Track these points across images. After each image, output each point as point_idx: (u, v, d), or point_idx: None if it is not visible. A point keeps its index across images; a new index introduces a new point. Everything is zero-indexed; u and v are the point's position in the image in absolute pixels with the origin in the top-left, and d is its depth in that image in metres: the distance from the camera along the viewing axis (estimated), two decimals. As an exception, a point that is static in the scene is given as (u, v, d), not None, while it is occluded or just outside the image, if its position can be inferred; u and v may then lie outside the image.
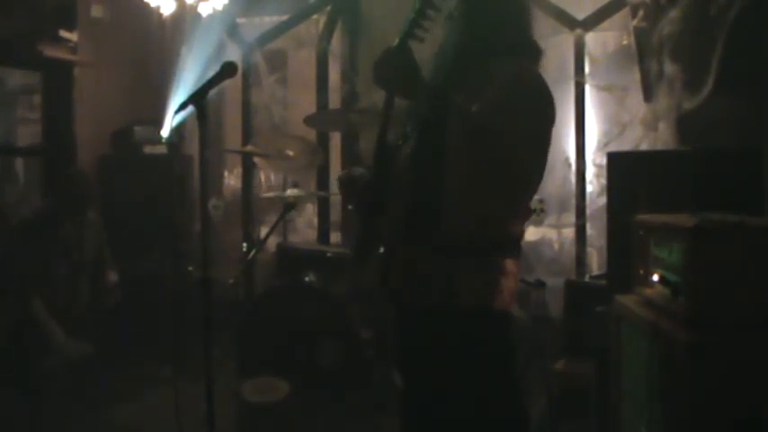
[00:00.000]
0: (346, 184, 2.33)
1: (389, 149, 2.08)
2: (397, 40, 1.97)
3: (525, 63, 2.02)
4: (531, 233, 4.92)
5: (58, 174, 4.43)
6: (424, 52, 2.07)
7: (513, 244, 2.02)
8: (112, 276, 4.18)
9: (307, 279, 3.94)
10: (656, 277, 2.17)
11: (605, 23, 4.58)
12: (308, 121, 4.38)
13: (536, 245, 4.95)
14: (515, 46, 2.04)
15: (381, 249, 2.08)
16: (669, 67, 3.34)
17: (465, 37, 2.04)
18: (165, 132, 5.20)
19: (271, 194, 4.59)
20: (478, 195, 1.89)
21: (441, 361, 1.96)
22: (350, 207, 2.36)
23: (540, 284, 3.93)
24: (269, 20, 5.56)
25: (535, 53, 2.07)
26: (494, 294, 1.93)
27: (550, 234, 5.04)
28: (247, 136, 5.27)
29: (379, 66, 1.97)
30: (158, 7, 4.99)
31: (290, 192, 4.32)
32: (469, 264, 1.93)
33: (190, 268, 4.63)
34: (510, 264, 1.97)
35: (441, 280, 1.93)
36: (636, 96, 4.19)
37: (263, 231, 4.88)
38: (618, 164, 2.92)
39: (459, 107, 1.90)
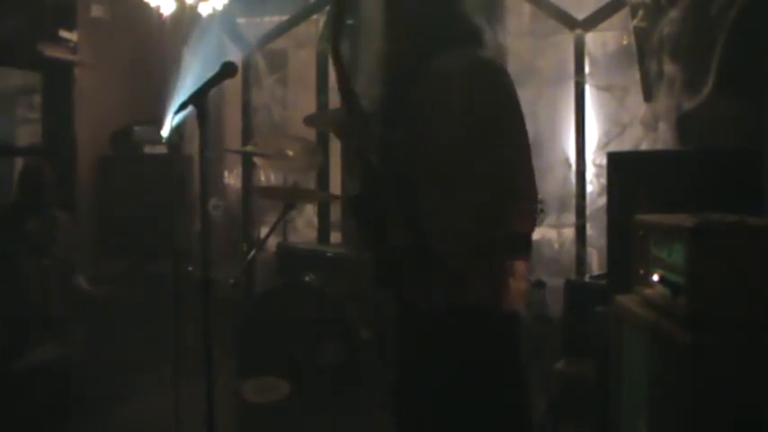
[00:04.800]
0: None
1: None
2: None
3: (471, 53, 1.92)
4: (531, 233, 4.92)
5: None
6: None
7: (522, 244, 1.96)
8: (82, 281, 4.06)
9: (307, 279, 3.94)
10: (656, 277, 2.17)
11: (605, 23, 4.59)
12: (308, 121, 4.37)
13: (536, 245, 4.93)
14: (456, 35, 1.95)
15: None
16: (669, 67, 3.34)
17: (397, 44, 1.98)
18: (165, 132, 5.20)
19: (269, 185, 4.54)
20: (459, 211, 1.83)
21: (444, 361, 1.92)
22: (347, 204, 2.34)
23: (540, 284, 3.93)
24: (269, 20, 5.57)
25: (477, 37, 1.97)
26: (501, 295, 1.89)
27: (550, 234, 5.04)
28: (247, 136, 5.28)
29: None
30: (158, 7, 4.99)
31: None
32: (475, 264, 1.88)
33: (190, 268, 4.62)
34: (519, 264, 1.92)
35: (445, 280, 1.88)
36: (636, 96, 4.18)
37: (263, 231, 4.88)
38: (618, 164, 2.92)
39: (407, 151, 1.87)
